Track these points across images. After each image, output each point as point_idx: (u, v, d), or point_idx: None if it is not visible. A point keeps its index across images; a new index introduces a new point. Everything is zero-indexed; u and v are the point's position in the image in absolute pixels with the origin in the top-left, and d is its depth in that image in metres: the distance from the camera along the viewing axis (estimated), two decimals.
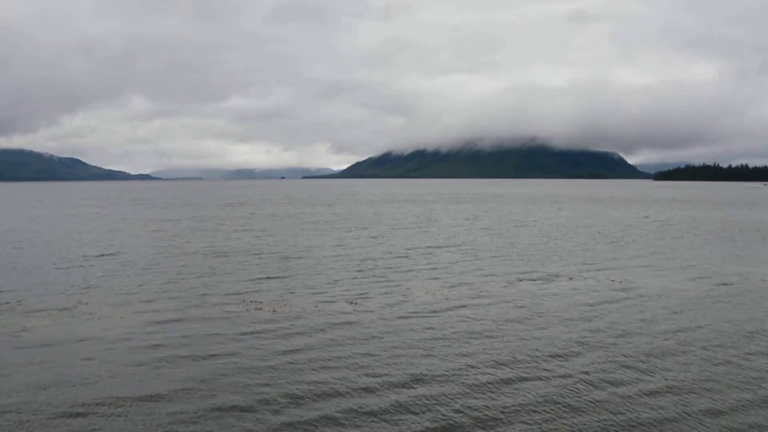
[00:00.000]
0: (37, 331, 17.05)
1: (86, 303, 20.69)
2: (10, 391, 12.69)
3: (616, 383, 13.04)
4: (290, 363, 14.28)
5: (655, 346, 15.71)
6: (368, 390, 12.68)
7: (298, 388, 12.78)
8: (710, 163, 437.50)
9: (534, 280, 25.27)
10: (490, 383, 13.05)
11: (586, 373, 13.62)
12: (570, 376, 13.47)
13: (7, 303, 20.57)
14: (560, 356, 14.82)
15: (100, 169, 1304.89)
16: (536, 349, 15.45)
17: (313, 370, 13.83)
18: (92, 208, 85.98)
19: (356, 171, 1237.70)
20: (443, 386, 12.85)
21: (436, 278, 25.57)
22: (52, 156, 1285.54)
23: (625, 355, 14.91)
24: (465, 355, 14.95)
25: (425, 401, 12.14)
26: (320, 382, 13.05)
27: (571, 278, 25.58)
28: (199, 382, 13.09)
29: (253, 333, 16.80)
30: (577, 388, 12.78)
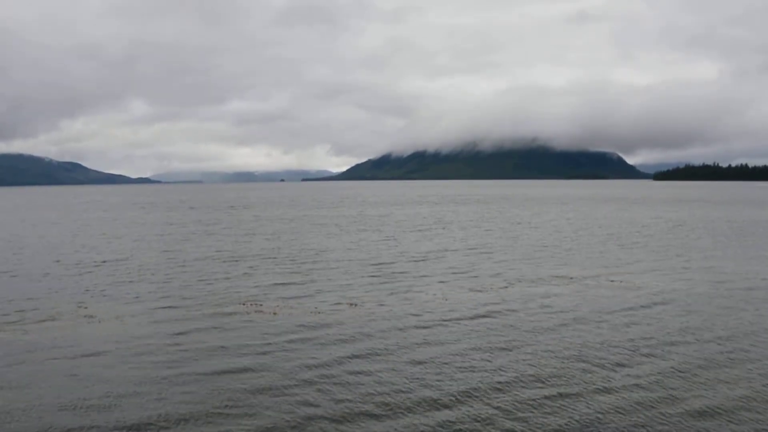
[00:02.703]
0: (42, 339, 16.85)
1: (86, 307, 20.75)
2: (12, 397, 12.60)
3: (667, 399, 12.67)
4: (304, 373, 13.90)
5: (702, 354, 15.55)
6: (393, 406, 12.14)
7: (308, 400, 12.46)
8: (710, 163, 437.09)
9: (553, 284, 25.19)
10: (517, 398, 12.73)
11: (624, 383, 13.55)
12: (605, 386, 13.42)
13: (14, 309, 20.42)
14: (588, 363, 14.76)
15: (100, 173, 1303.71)
16: (564, 358, 15.34)
17: (333, 383, 13.29)
18: (96, 213, 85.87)
19: (356, 173, 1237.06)
20: (470, 403, 12.38)
21: (453, 283, 25.42)
22: (51, 160, 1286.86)
23: (673, 367, 14.72)
24: (491, 368, 14.73)
25: (451, 418, 11.75)
26: (339, 399, 12.46)
27: (589, 281, 25.56)
28: (206, 392, 12.85)
29: (267, 342, 16.39)
30: (609, 397, 12.71)
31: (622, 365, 14.32)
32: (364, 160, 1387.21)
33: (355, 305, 20.78)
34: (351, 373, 13.90)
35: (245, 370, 14.10)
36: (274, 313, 19.66)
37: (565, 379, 13.44)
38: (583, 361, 14.61)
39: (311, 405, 12.13)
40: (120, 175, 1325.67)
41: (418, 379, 13.48)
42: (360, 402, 12.29)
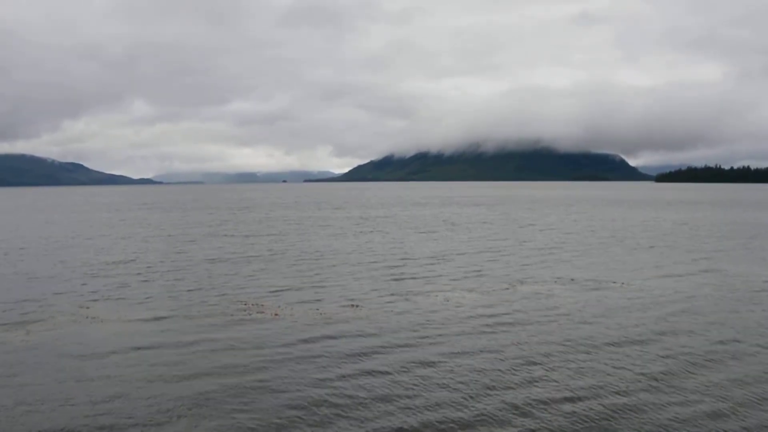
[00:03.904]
0: (43, 341, 16.76)
1: (88, 308, 20.79)
2: (15, 401, 12.45)
3: (684, 405, 12.74)
4: (310, 381, 13.55)
5: (717, 361, 15.38)
6: (404, 421, 11.68)
7: (316, 414, 12.05)
8: (712, 165, 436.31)
9: (565, 287, 24.95)
10: (533, 411, 12.53)
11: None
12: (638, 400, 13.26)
13: (17, 310, 20.36)
14: (602, 371, 14.59)
15: (102, 173, 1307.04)
16: (578, 366, 15.12)
17: (336, 394, 12.80)
18: (100, 213, 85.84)
19: (358, 174, 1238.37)
20: (484, 419, 12.01)
21: (461, 287, 25.20)
22: (53, 161, 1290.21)
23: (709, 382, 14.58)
24: (505, 379, 14.48)
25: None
26: (344, 414, 11.91)
27: (600, 285, 25.39)
28: (208, 399, 12.63)
29: (272, 348, 15.97)
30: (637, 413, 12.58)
31: (636, 374, 14.08)
32: (366, 161, 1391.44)
33: (360, 307, 20.63)
34: (356, 384, 13.35)
35: (249, 377, 13.77)
36: (276, 314, 19.65)
37: (582, 390, 13.08)
38: (597, 370, 14.43)
39: (316, 425, 11.52)
40: (122, 176, 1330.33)
41: (429, 389, 13.11)
42: (368, 417, 11.84)
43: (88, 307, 20.86)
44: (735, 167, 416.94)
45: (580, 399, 12.48)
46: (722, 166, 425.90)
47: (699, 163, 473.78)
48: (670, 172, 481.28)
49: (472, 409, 12.03)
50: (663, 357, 15.14)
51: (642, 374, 13.81)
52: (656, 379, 13.47)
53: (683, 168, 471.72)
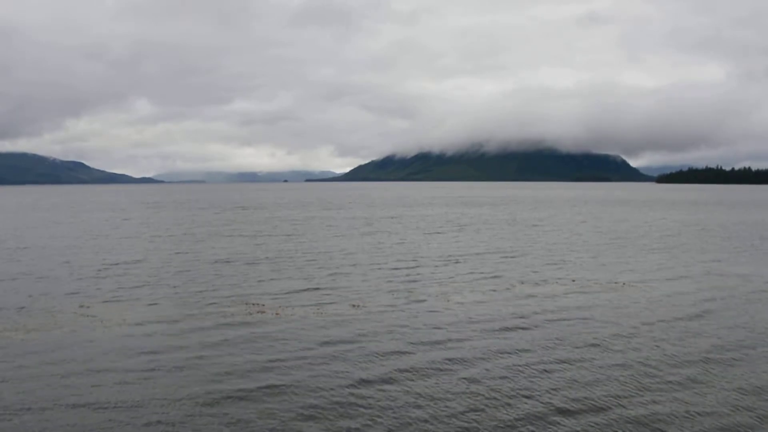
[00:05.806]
0: (49, 343, 16.58)
1: (89, 306, 20.79)
2: (17, 406, 12.26)
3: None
4: (319, 392, 13.10)
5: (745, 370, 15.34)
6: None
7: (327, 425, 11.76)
8: (714, 165, 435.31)
9: (577, 290, 24.75)
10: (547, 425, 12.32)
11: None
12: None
13: (19, 311, 20.22)
14: (619, 380, 14.48)
15: (104, 172, 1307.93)
16: (596, 377, 14.94)
17: (344, 405, 12.35)
18: (105, 213, 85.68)
19: (359, 174, 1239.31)
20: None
21: (471, 288, 24.96)
22: (55, 159, 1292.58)
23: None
24: (521, 388, 14.28)
25: None
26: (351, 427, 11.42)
27: (613, 287, 25.20)
28: (201, 406, 12.36)
29: (278, 356, 15.46)
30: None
31: (659, 384, 13.83)
32: (367, 161, 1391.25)
33: (368, 309, 20.41)
34: (361, 395, 12.88)
35: (252, 382, 13.52)
36: (278, 314, 19.53)
37: (598, 402, 12.70)
38: (612, 374, 14.29)
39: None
40: (123, 175, 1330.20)
41: (437, 396, 12.76)
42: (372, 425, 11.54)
43: (89, 307, 20.72)
44: (736, 168, 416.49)
45: (596, 408, 12.25)
46: (723, 167, 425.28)
47: (700, 164, 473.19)
48: (671, 173, 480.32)
49: (488, 418, 11.84)
50: (678, 361, 14.98)
51: (658, 379, 13.66)
52: (671, 383, 13.34)
53: (684, 169, 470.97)
